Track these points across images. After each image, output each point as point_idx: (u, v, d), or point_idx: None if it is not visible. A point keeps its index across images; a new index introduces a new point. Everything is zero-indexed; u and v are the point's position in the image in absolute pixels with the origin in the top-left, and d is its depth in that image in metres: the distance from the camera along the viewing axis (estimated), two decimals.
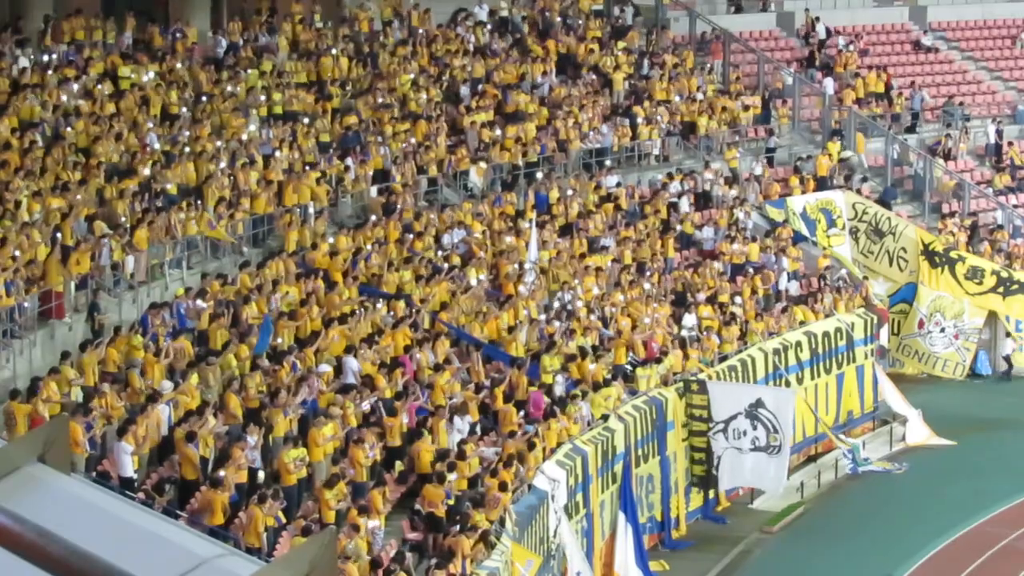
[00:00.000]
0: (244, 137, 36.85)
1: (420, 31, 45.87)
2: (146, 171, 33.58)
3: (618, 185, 43.45)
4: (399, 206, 37.38)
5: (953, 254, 44.38)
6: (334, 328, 30.38)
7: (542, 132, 43.34)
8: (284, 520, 25.09)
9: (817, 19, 55.81)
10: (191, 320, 29.56)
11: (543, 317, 34.71)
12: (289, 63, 41.75)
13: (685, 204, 43.72)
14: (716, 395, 33.29)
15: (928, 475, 36.54)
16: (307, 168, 36.51)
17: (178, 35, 40.76)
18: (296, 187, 35.69)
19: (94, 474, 23.81)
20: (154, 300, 30.21)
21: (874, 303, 41.76)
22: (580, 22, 50.02)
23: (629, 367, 34.05)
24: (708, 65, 51.74)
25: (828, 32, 55.66)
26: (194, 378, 26.94)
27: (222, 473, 24.53)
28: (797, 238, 44.05)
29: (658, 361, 34.13)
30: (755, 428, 33.04)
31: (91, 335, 28.13)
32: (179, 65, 39.20)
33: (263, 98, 39.09)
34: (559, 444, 29.46)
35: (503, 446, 28.45)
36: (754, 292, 40.28)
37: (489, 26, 47.73)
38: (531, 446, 28.59)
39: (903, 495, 35.44)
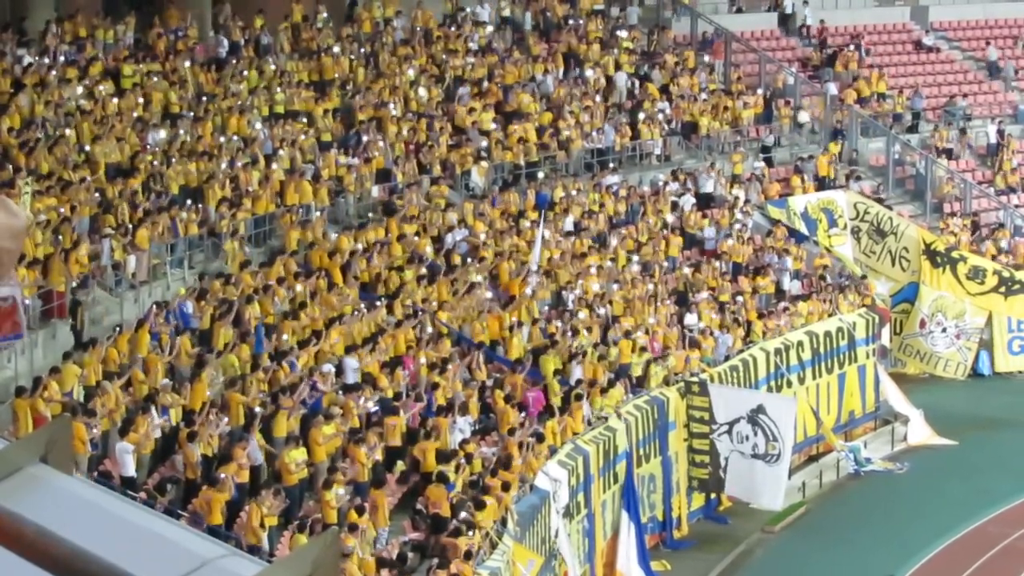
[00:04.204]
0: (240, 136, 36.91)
1: (420, 29, 45.88)
2: (147, 170, 33.64)
3: (622, 182, 43.45)
4: (405, 205, 37.39)
5: (955, 254, 44.41)
6: (334, 328, 30.42)
7: (544, 131, 43.37)
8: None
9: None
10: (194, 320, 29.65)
11: (544, 316, 34.76)
12: (290, 62, 41.78)
13: (687, 204, 43.73)
14: (717, 398, 33.29)
15: (929, 475, 36.56)
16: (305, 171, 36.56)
17: (179, 35, 40.80)
18: (297, 186, 35.73)
19: (96, 474, 23.83)
20: (156, 300, 30.23)
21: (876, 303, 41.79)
22: (581, 21, 50.03)
23: (643, 364, 33.99)
24: (710, 65, 51.72)
25: (804, 13, 55.90)
26: (204, 376, 26.97)
27: (222, 474, 24.55)
28: (799, 238, 44.08)
29: (656, 361, 34.12)
30: (756, 434, 33.03)
31: (73, 335, 28.05)
32: (185, 64, 39.19)
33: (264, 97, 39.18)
34: (563, 443, 29.50)
35: (506, 444, 28.45)
36: (755, 292, 40.30)
37: (491, 26, 47.75)
38: (540, 438, 28.63)
39: (904, 495, 35.45)
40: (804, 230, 44.22)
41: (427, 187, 38.98)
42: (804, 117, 50.68)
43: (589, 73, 47.46)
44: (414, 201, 37.61)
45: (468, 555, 24.16)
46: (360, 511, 24.65)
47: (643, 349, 34.52)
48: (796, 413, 34.12)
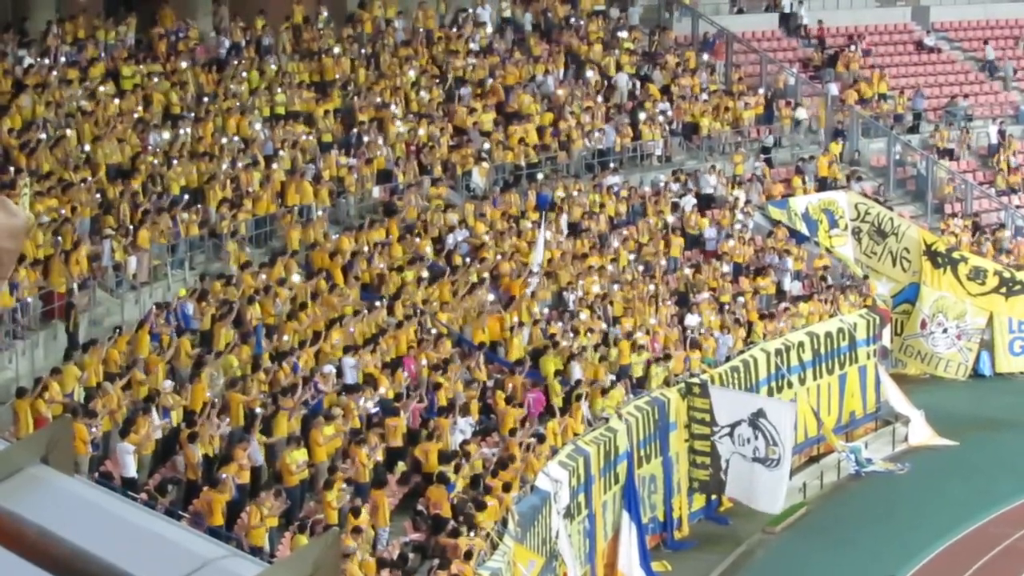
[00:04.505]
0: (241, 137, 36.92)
1: (422, 30, 45.89)
2: (148, 171, 33.66)
3: (623, 183, 43.48)
4: (404, 207, 37.41)
5: (955, 254, 44.41)
6: (335, 329, 30.43)
7: (545, 132, 43.38)
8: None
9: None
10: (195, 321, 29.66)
11: (544, 317, 34.77)
12: (291, 63, 41.77)
13: (688, 204, 43.75)
14: (718, 400, 33.29)
15: (930, 475, 36.57)
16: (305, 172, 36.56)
17: (180, 35, 40.80)
18: (298, 187, 35.73)
19: (97, 475, 23.84)
20: (156, 301, 30.25)
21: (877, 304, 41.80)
22: (582, 22, 50.04)
23: (644, 364, 33.98)
24: (712, 65, 51.70)
25: (800, 12, 55.99)
26: (203, 376, 27.00)
27: (223, 475, 24.56)
28: (800, 238, 44.08)
29: (658, 362, 34.12)
30: (756, 438, 33.04)
31: (67, 336, 28.02)
32: (183, 64, 39.19)
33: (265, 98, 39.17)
34: (563, 444, 29.50)
35: (508, 445, 28.45)
36: (756, 292, 40.30)
37: (491, 27, 47.74)
38: (541, 439, 28.62)
39: (905, 495, 35.45)
40: (805, 231, 44.20)
41: (427, 188, 38.98)
42: (802, 114, 50.68)
43: (590, 74, 47.45)
44: (412, 202, 37.61)
45: (468, 555, 24.15)
46: (355, 513, 24.62)
47: (643, 348, 34.54)
48: (796, 418, 34.13)
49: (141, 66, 38.38)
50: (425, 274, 34.45)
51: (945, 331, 43.72)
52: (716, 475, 33.50)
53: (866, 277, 43.16)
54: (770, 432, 32.87)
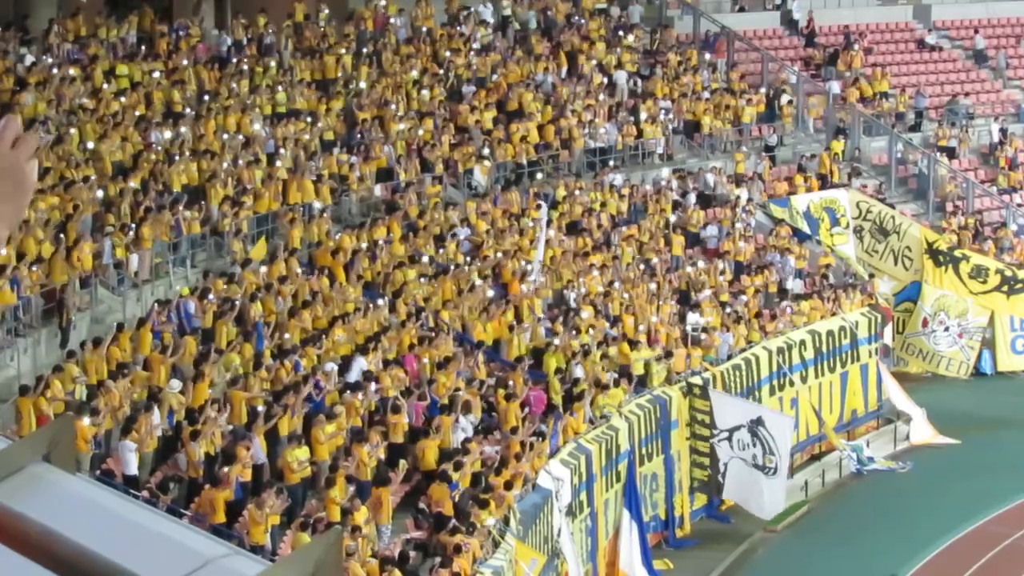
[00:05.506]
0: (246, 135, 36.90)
1: (423, 29, 45.88)
2: (149, 169, 33.65)
3: (625, 181, 43.47)
4: (405, 205, 37.41)
5: (957, 253, 44.40)
6: (338, 327, 30.42)
7: (546, 130, 43.36)
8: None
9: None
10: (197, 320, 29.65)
11: (546, 315, 34.76)
12: (293, 61, 41.76)
13: (689, 202, 43.76)
14: (718, 404, 33.27)
15: (932, 474, 36.55)
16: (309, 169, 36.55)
17: (182, 33, 40.79)
18: (300, 185, 35.72)
19: (98, 472, 23.85)
20: (158, 298, 30.24)
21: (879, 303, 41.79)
22: (584, 20, 50.04)
23: (645, 362, 33.98)
24: (713, 64, 51.68)
25: (792, 7, 55.96)
26: (207, 372, 26.99)
27: (225, 469, 24.56)
28: (801, 237, 44.06)
29: (659, 360, 34.10)
30: (754, 444, 33.03)
31: (60, 334, 27.98)
32: (184, 62, 39.18)
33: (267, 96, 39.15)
34: (564, 442, 29.49)
35: (509, 443, 28.45)
36: (758, 291, 40.30)
37: (491, 25, 47.72)
38: (543, 437, 28.60)
39: (907, 494, 35.43)
40: (806, 229, 44.18)
41: (428, 187, 38.99)
42: (785, 99, 50.53)
43: (588, 70, 47.42)
44: (413, 201, 37.60)
45: (457, 549, 24.08)
46: (348, 513, 24.56)
47: (644, 346, 34.51)
48: (793, 431, 34.16)
49: (143, 63, 38.36)
50: (428, 264, 34.41)
51: (947, 329, 43.71)
52: (714, 476, 33.50)
53: (872, 276, 43.16)
54: (767, 442, 32.87)
